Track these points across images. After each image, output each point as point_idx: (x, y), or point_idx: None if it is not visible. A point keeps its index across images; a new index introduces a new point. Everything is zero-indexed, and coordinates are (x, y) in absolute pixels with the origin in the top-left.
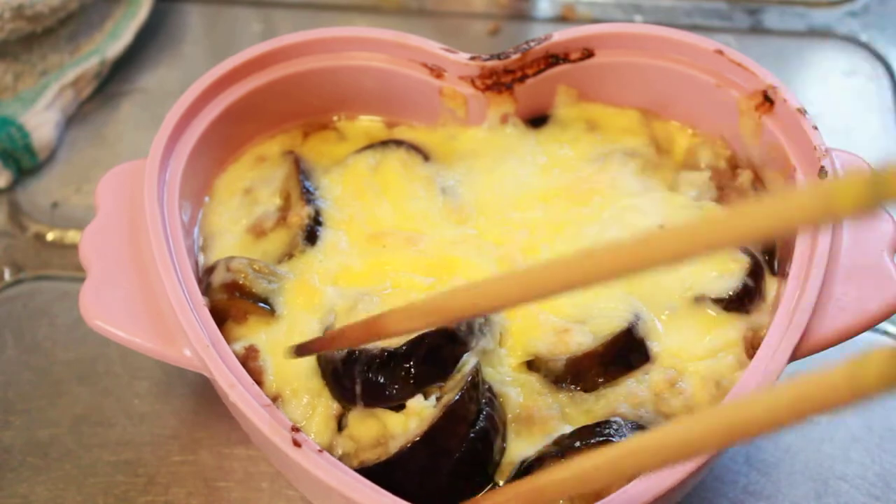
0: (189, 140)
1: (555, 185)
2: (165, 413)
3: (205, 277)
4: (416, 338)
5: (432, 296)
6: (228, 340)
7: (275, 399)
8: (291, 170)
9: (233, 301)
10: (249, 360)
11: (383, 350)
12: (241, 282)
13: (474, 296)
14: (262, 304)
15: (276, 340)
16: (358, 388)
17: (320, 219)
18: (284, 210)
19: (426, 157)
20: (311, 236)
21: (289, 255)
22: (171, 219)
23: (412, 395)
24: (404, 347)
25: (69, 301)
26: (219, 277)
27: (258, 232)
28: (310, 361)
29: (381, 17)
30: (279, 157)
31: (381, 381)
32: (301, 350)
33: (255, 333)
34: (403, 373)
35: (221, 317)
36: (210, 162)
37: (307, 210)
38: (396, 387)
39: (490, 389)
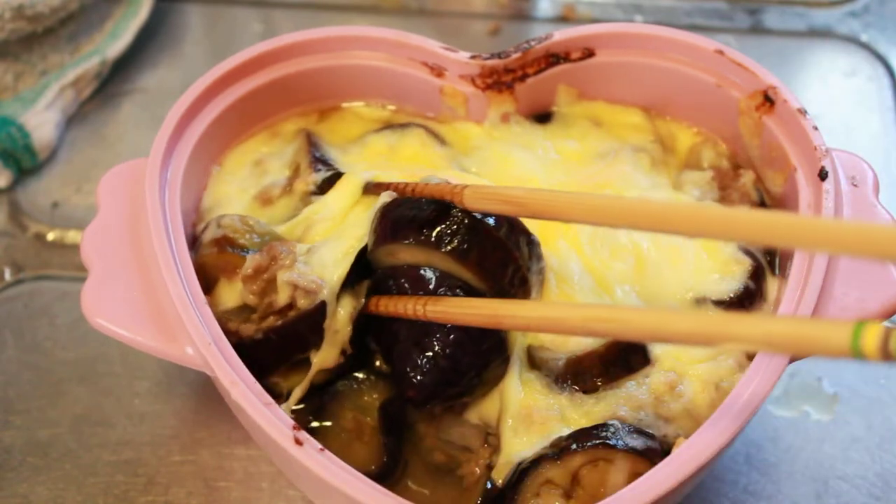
0: (189, 140)
1: (567, 178)
2: (165, 413)
3: (198, 238)
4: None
5: (513, 188)
6: (220, 300)
7: None
8: (302, 142)
9: (223, 255)
10: None
11: (457, 212)
12: (230, 235)
13: (550, 199)
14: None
15: None
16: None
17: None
18: (293, 179)
19: (442, 142)
20: None
21: None
22: (172, 218)
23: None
24: (474, 218)
25: (69, 301)
26: (209, 234)
27: (265, 200)
28: None
29: (381, 16)
30: (292, 135)
31: (449, 234)
32: (373, 188)
33: None
34: (465, 242)
35: (213, 277)
36: (211, 161)
37: (313, 177)
38: (451, 246)
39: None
